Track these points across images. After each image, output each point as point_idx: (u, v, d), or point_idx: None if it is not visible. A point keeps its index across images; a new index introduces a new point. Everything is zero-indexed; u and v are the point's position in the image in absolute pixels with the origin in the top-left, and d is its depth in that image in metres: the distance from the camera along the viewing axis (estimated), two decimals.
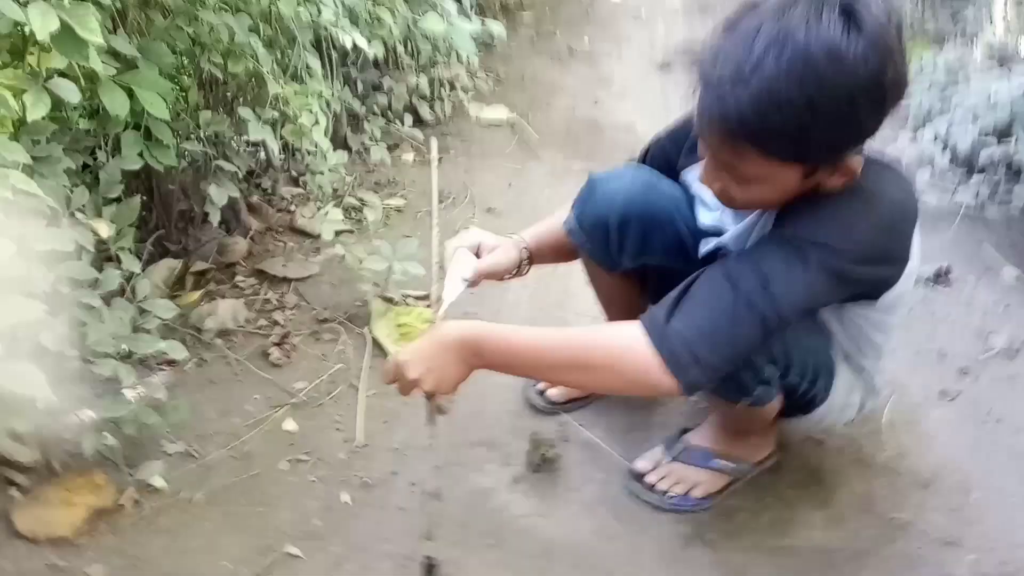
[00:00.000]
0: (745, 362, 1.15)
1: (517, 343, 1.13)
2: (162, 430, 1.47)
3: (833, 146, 1.05)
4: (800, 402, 1.32)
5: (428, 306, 1.97)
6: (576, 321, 2.01)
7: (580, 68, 3.89)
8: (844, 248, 1.07)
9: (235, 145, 2.00)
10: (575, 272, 1.85)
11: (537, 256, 1.47)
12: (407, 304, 1.97)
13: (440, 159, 1.34)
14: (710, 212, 1.37)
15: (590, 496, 1.52)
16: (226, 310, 1.88)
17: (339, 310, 1.96)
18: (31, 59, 1.11)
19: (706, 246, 1.36)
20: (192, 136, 1.78)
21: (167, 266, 1.99)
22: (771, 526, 1.48)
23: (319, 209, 2.31)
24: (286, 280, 2.06)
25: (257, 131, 1.62)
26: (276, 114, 1.66)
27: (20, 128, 1.33)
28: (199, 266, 2.02)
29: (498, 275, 1.40)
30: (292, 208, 2.37)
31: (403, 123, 2.76)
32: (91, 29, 1.09)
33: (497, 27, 2.47)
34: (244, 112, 1.63)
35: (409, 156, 2.79)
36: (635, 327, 1.08)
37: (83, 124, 1.63)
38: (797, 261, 1.05)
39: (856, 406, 1.41)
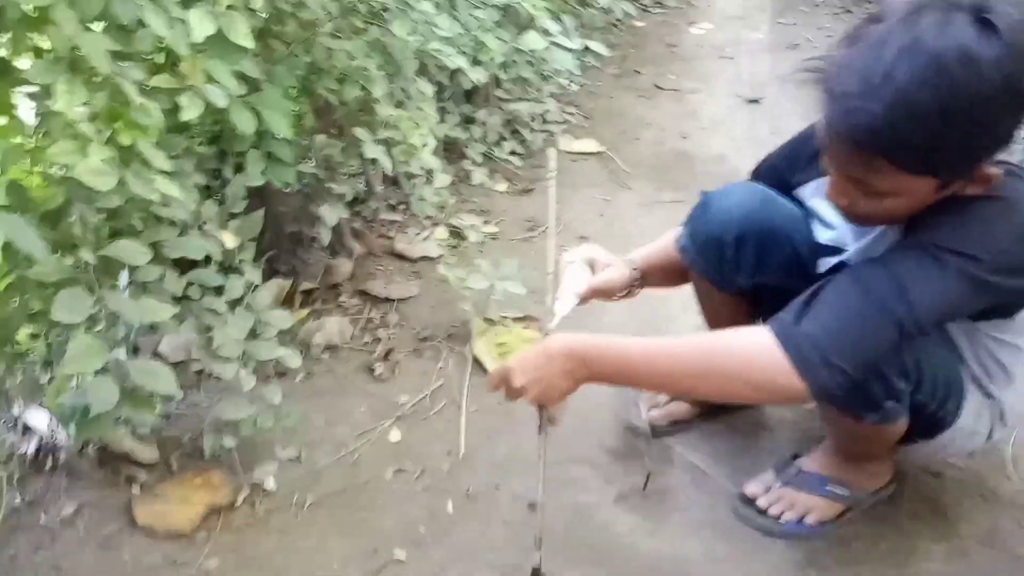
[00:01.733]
0: (876, 372, 1.11)
1: (631, 351, 1.13)
2: (276, 435, 1.52)
3: (968, 155, 1.02)
4: (928, 423, 1.27)
5: (526, 327, 1.99)
6: None
7: (667, 103, 3.90)
8: (982, 256, 1.03)
9: (343, 171, 2.08)
10: (674, 296, 1.85)
11: (648, 277, 1.47)
12: (506, 325, 1.99)
13: (555, 171, 1.36)
14: (828, 230, 1.35)
15: (697, 518, 1.49)
16: (333, 327, 1.94)
17: (440, 329, 1.99)
18: (185, 66, 1.18)
19: (826, 264, 1.33)
20: (307, 159, 1.86)
21: (277, 285, 2.07)
22: (889, 556, 1.41)
23: (418, 234, 2.38)
24: (388, 300, 2.11)
25: (372, 150, 1.68)
26: (388, 135, 1.73)
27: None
28: (306, 286, 2.10)
29: (610, 293, 1.40)
30: (392, 234, 2.44)
31: (498, 151, 2.82)
32: (243, 35, 1.17)
33: (599, 47, 2.50)
34: (359, 132, 1.70)
35: (502, 186, 2.84)
36: (761, 330, 1.07)
37: (203, 149, 1.73)
38: (933, 267, 1.03)
39: (983, 434, 1.35)
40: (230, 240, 1.46)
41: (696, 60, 4.66)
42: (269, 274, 2.12)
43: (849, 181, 1.09)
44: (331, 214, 1.88)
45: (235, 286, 1.45)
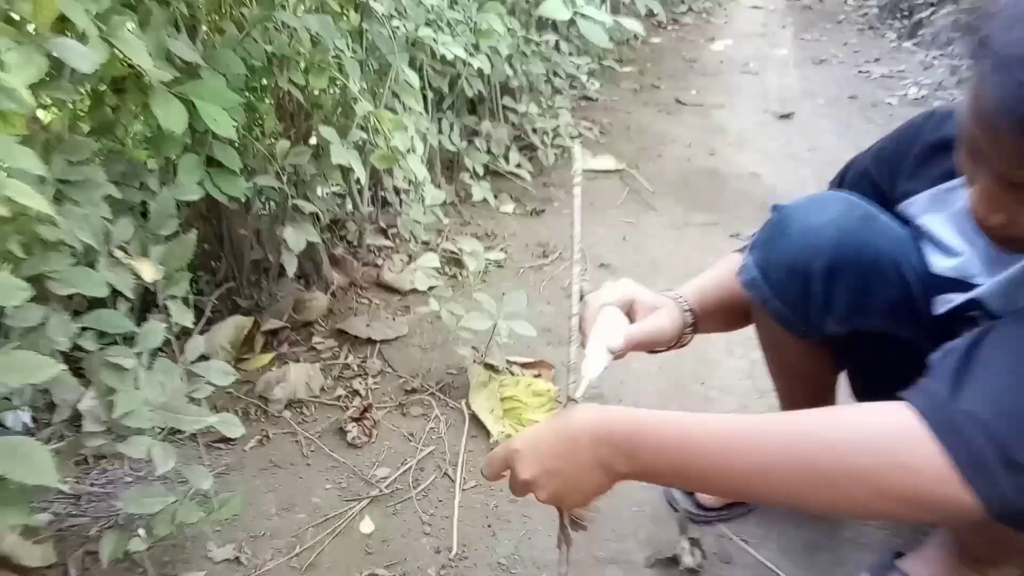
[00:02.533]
0: None
1: (694, 435, 0.76)
2: (209, 527, 1.14)
3: None
4: None
5: (538, 376, 1.62)
6: (721, 402, 1.62)
7: (690, 119, 3.56)
8: None
9: (317, 187, 1.72)
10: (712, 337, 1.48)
11: (702, 320, 1.09)
12: (513, 373, 1.62)
13: (581, 173, 0.98)
14: (948, 257, 0.98)
15: None
16: (298, 377, 1.57)
17: (431, 379, 1.63)
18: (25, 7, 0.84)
19: (946, 303, 0.96)
20: (268, 171, 1.51)
21: (235, 324, 1.71)
22: None
23: (410, 261, 2.02)
24: (370, 342, 1.74)
25: (341, 154, 1.33)
26: (364, 135, 1.37)
27: (52, 145, 1.07)
28: (272, 324, 1.74)
29: (655, 345, 1.02)
30: (379, 262, 2.08)
31: (504, 164, 2.46)
32: None
33: (633, 24, 2.15)
34: (325, 132, 1.34)
35: (509, 207, 2.49)
36: (899, 409, 0.70)
37: (142, 156, 1.38)
38: None
39: None
40: (148, 271, 1.11)
41: (718, 75, 4.33)
42: (229, 310, 1.77)
43: (1011, 189, 0.73)
44: (297, 237, 1.52)
45: (153, 332, 1.09)
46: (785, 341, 1.12)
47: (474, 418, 1.50)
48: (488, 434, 1.46)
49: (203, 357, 1.64)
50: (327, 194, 1.86)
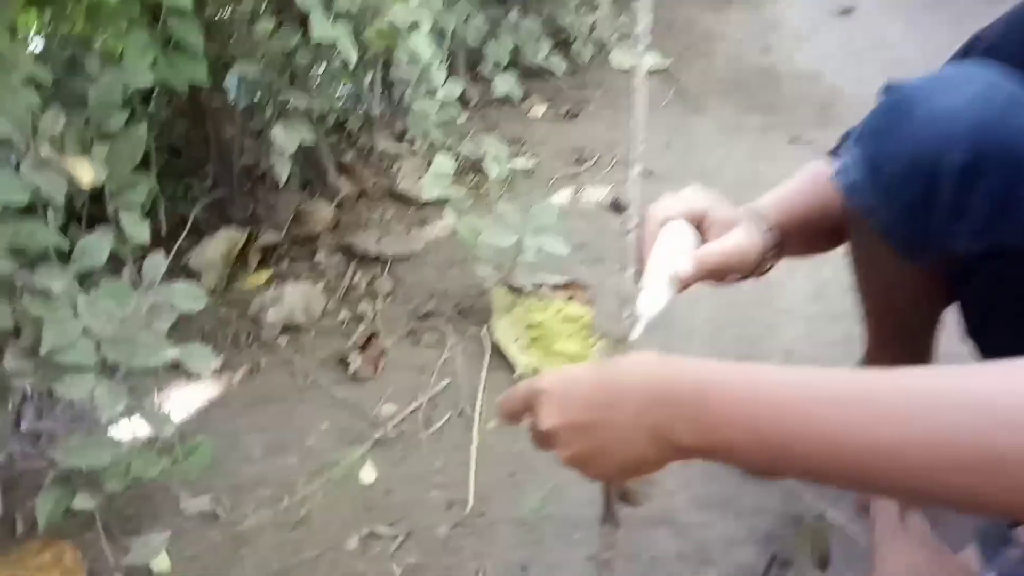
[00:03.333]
0: None
1: (801, 404, 0.53)
2: (177, 478, 0.97)
3: None
4: None
5: (570, 298, 1.40)
6: (785, 329, 1.39)
7: (740, 14, 3.21)
8: None
9: (315, 77, 1.48)
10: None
11: (787, 240, 0.85)
12: (541, 296, 1.40)
13: (645, 39, 0.72)
14: None
15: None
16: (296, 298, 1.37)
17: (447, 302, 1.42)
18: None
19: None
20: (253, 56, 1.27)
21: (227, 239, 1.51)
22: None
23: (427, 169, 1.78)
24: (379, 260, 1.53)
25: (324, 28, 1.08)
26: (355, 4, 1.12)
27: None
28: (268, 238, 1.53)
29: (734, 270, 0.78)
30: (394, 168, 1.85)
31: (534, 56, 2.18)
32: None
33: None
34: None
35: (539, 109, 2.22)
36: None
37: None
38: None
39: None
40: (86, 173, 0.89)
41: None
42: (220, 220, 1.56)
43: None
44: (289, 138, 1.29)
45: (92, 249, 0.88)
46: (888, 262, 0.88)
47: (495, 348, 1.30)
48: (511, 367, 1.25)
49: (191, 275, 1.46)
50: (330, 90, 1.62)
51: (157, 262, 0.97)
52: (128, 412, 0.87)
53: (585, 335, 1.30)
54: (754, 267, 0.79)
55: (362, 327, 1.36)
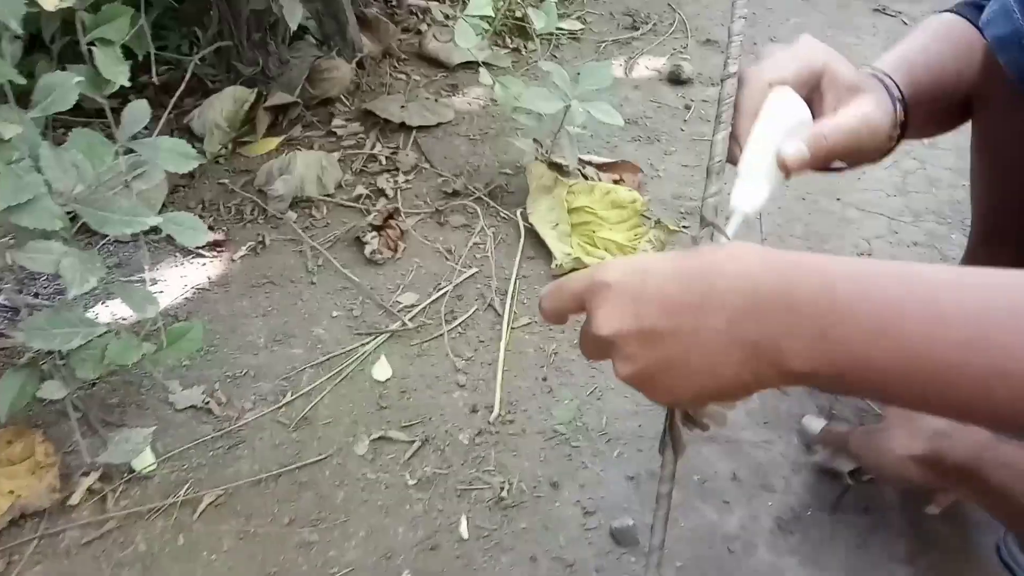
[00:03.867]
0: None
1: (957, 311, 0.37)
2: (162, 365, 0.84)
3: None
4: None
5: (618, 181, 1.23)
6: (863, 224, 1.21)
7: None
8: None
9: None
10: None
11: (913, 114, 0.66)
12: (587, 176, 1.23)
13: None
14: None
15: (933, 559, 0.78)
16: (308, 167, 1.22)
17: (478, 179, 1.25)
18: None
19: None
20: None
21: (233, 97, 1.34)
22: None
23: (451, 24, 1.58)
24: (404, 128, 1.36)
25: None
26: None
27: None
28: (279, 99, 1.36)
29: (860, 153, 0.60)
30: (423, 27, 1.64)
31: None
32: None
33: None
34: None
35: None
36: None
37: None
38: None
39: None
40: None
41: None
42: (230, 80, 1.39)
43: None
44: None
45: (53, 87, 0.73)
46: None
47: (532, 233, 1.14)
48: (550, 256, 1.10)
49: (194, 138, 1.30)
50: None
51: (139, 109, 0.82)
52: (105, 289, 0.73)
53: (635, 223, 1.14)
54: (881, 150, 0.61)
55: (381, 203, 1.20)
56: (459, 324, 1.01)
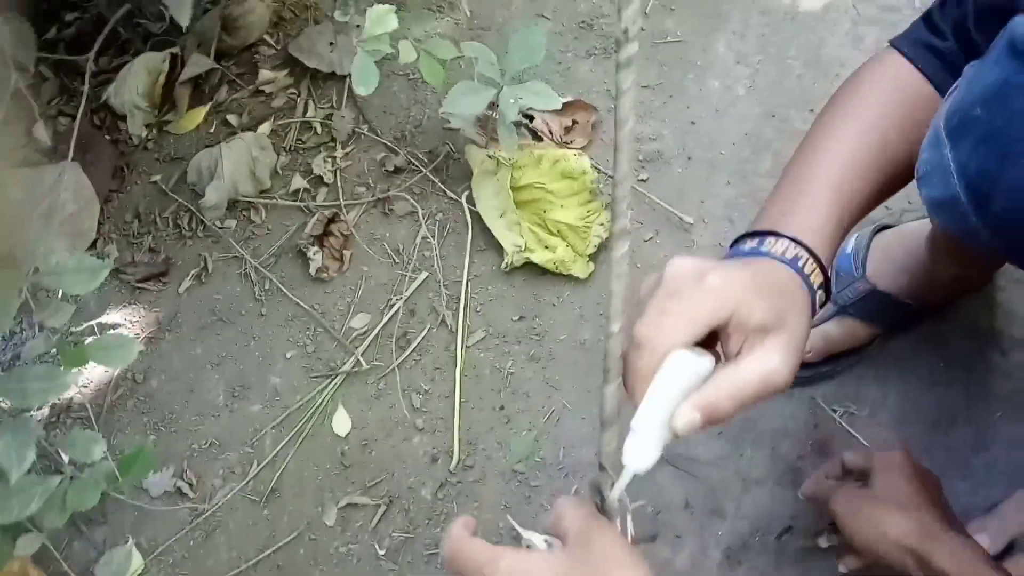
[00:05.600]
0: None
1: None
2: (126, 490, 0.87)
3: None
4: None
5: (569, 146, 1.13)
6: None
7: None
8: None
9: None
10: None
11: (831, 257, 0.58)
12: (536, 131, 1.13)
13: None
14: None
15: None
16: (237, 166, 1.13)
17: (421, 144, 1.16)
18: None
19: None
20: None
21: (145, 68, 1.22)
22: None
23: None
24: (336, 78, 1.24)
25: None
26: None
27: None
28: (195, 67, 1.23)
29: (761, 402, 0.54)
30: None
31: None
32: None
33: None
34: None
35: None
36: None
37: None
38: None
39: None
40: None
41: None
42: (140, 40, 1.26)
43: None
44: None
45: None
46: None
47: (478, 221, 1.08)
48: (501, 255, 1.05)
49: (117, 117, 1.20)
50: None
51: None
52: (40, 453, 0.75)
53: (586, 198, 1.07)
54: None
55: (322, 195, 1.14)
56: (413, 350, 1.00)
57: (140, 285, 1.08)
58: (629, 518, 0.52)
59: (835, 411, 0.92)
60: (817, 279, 0.55)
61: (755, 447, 0.91)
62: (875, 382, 0.93)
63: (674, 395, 0.50)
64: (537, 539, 0.53)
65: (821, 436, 0.91)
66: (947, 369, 0.92)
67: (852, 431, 0.91)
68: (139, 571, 0.88)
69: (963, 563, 0.65)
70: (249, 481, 0.93)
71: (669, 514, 0.89)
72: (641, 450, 0.52)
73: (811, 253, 0.55)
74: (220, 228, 1.12)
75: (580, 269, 1.03)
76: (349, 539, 0.89)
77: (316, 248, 1.07)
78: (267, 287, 1.07)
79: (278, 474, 0.93)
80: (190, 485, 0.93)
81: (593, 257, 1.03)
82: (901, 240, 0.89)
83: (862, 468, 0.76)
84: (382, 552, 0.88)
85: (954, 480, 0.87)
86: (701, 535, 0.87)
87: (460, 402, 0.96)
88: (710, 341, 0.51)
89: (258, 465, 0.94)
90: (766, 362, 0.49)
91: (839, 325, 0.90)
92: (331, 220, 1.09)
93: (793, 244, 0.55)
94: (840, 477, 0.79)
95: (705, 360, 0.50)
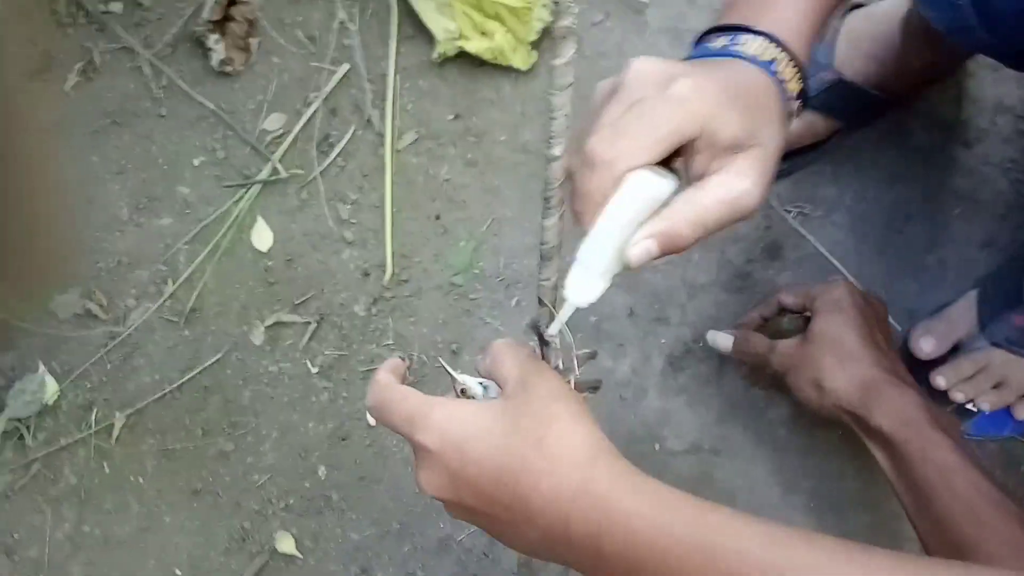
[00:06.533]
0: None
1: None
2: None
3: None
4: None
5: None
6: None
7: None
8: None
9: None
10: None
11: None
12: None
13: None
14: None
15: None
16: None
17: None
18: None
19: None
20: None
21: None
22: None
23: None
24: None
25: None
26: None
27: None
28: None
29: (729, 227, 0.46)
30: None
31: None
32: None
33: None
34: None
35: None
36: None
37: None
38: None
39: None
40: None
41: None
42: None
43: None
44: None
45: None
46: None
47: (405, 1, 0.94)
48: (434, 45, 0.93)
49: None
50: None
51: None
52: None
53: None
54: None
55: None
56: (338, 156, 0.91)
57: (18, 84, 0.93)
58: (574, 357, 0.48)
59: (788, 212, 0.88)
60: (794, 86, 0.47)
61: (703, 251, 0.87)
62: (832, 180, 0.88)
63: (628, 222, 0.44)
64: (472, 383, 0.48)
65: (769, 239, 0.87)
66: (908, 165, 0.87)
67: (805, 232, 0.87)
68: (56, 397, 0.83)
69: (900, 420, 0.64)
70: (166, 301, 0.86)
71: (612, 323, 0.86)
72: (585, 283, 0.46)
73: (789, 53, 0.46)
74: (104, 14, 0.96)
75: (521, 59, 0.92)
76: (279, 358, 0.85)
77: (217, 36, 0.93)
78: (164, 83, 0.93)
79: (196, 293, 0.87)
80: (100, 306, 0.86)
81: (536, 45, 0.92)
82: (870, 25, 0.81)
83: (801, 307, 0.74)
84: (315, 370, 0.84)
85: (906, 280, 0.85)
86: (644, 343, 0.85)
87: (392, 212, 0.88)
88: (670, 158, 0.44)
89: (173, 283, 0.87)
90: (735, 184, 0.42)
91: (797, 119, 0.83)
92: (231, 2, 0.94)
93: (769, 43, 0.46)
94: (776, 315, 0.77)
95: (666, 182, 0.43)
